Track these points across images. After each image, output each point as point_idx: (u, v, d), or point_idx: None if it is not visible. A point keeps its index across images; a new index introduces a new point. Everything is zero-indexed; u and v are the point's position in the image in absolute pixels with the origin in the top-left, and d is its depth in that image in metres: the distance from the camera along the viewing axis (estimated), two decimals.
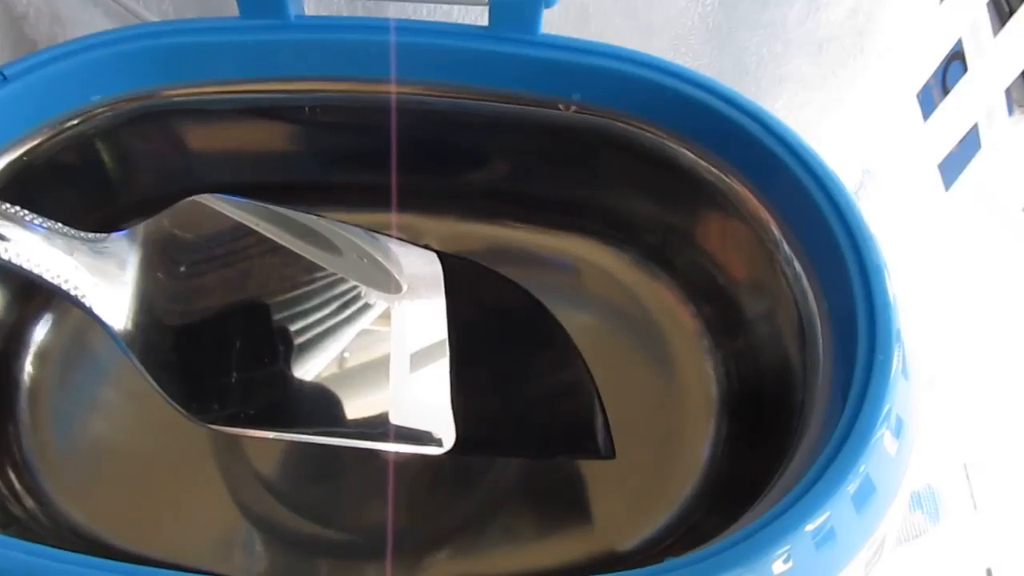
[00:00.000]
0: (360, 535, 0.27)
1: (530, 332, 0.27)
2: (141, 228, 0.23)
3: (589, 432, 0.25)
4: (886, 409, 0.21)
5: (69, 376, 0.29)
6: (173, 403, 0.22)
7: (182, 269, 0.24)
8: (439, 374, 0.24)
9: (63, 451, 0.28)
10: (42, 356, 0.29)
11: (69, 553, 0.19)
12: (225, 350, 0.23)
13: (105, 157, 0.29)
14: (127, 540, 0.26)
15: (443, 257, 0.27)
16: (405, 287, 0.25)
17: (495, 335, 0.26)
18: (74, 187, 0.29)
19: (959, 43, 0.40)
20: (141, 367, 0.22)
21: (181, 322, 0.23)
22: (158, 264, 0.23)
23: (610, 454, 0.25)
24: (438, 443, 0.24)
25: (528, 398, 0.26)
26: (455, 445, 0.24)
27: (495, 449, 0.26)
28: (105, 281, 0.22)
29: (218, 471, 0.28)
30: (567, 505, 0.27)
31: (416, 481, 0.28)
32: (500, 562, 0.26)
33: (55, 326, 0.30)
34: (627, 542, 0.26)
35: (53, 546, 0.24)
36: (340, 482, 0.28)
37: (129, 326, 0.22)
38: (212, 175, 0.31)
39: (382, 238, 0.27)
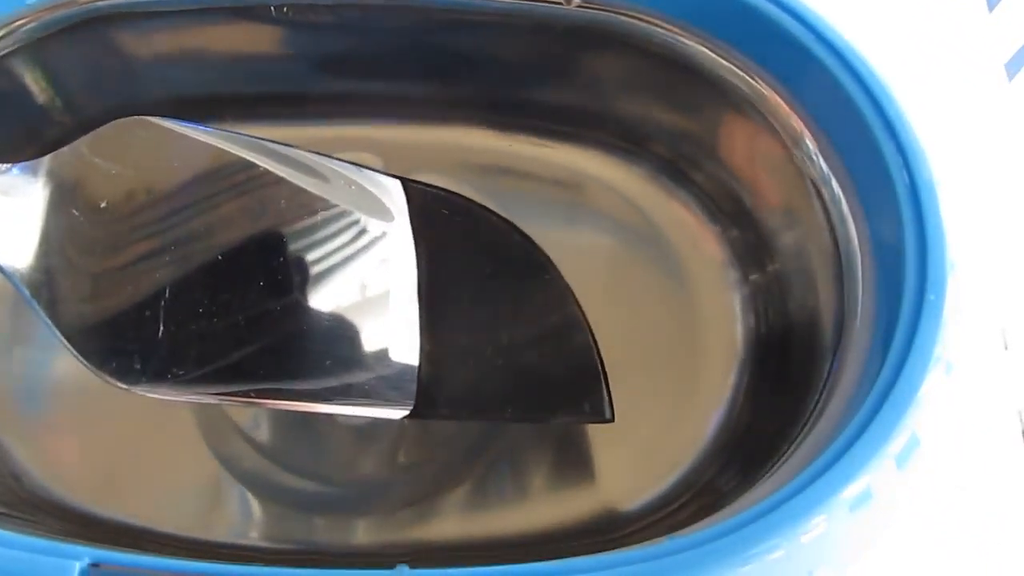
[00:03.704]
0: (353, 489, 0.25)
1: (515, 273, 0.23)
2: (51, 157, 0.20)
3: (585, 392, 0.22)
4: (937, 358, 0.18)
5: (23, 318, 0.27)
6: (86, 363, 0.19)
7: (103, 205, 0.20)
8: (406, 326, 0.21)
9: (19, 400, 0.26)
10: None
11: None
12: (152, 300, 0.20)
13: (31, 78, 0.26)
14: (97, 503, 0.24)
15: (408, 187, 0.23)
16: (371, 223, 0.22)
17: (475, 278, 0.23)
18: None
19: None
20: (48, 320, 0.19)
21: (100, 267, 0.20)
22: (74, 199, 0.20)
23: (608, 417, 0.22)
24: (402, 405, 0.21)
25: (513, 352, 0.22)
26: (424, 408, 0.21)
27: (471, 412, 0.23)
28: (5, 218, 0.19)
29: (192, 419, 0.26)
30: (566, 458, 0.25)
31: (408, 429, 0.25)
32: (491, 522, 0.24)
33: None
34: (632, 502, 0.24)
35: (8, 512, 0.23)
36: (327, 426, 0.26)
37: (34, 271, 0.19)
38: (163, 91, 0.28)
39: (338, 164, 0.23)
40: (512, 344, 0.22)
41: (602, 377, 0.22)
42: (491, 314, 0.22)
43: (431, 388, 0.21)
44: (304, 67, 0.28)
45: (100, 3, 0.25)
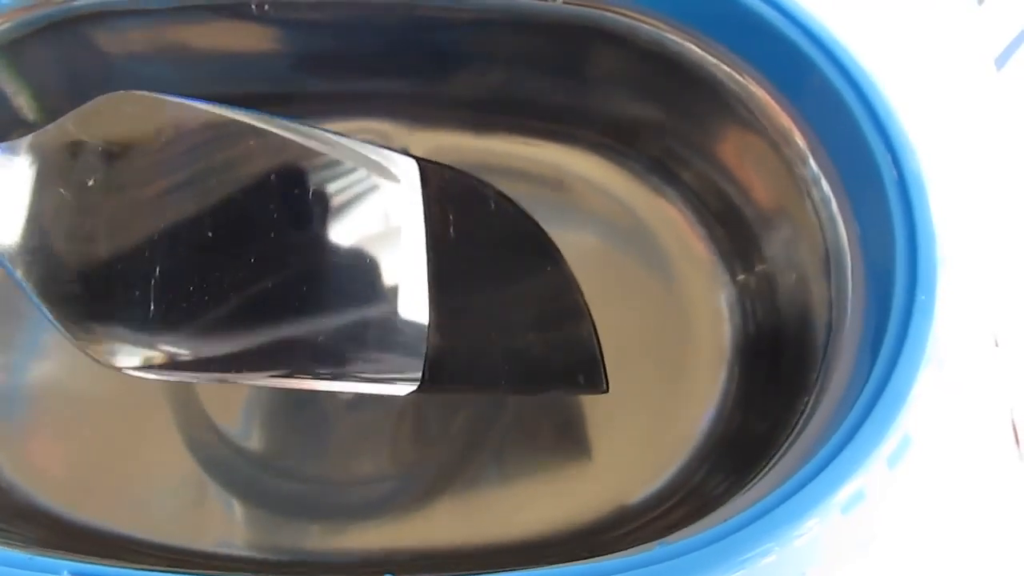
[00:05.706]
0: (343, 494, 0.25)
1: (519, 251, 0.23)
2: (35, 135, 0.20)
3: (584, 363, 0.22)
4: (928, 357, 0.18)
5: (2, 323, 0.26)
6: (75, 342, 0.19)
7: (91, 183, 0.20)
8: (411, 299, 0.21)
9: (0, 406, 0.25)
10: None
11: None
12: (143, 277, 0.19)
13: (6, 80, 0.25)
14: (79, 510, 0.24)
15: (423, 165, 0.22)
16: (383, 185, 0.21)
17: (479, 254, 0.22)
18: None
19: None
20: (38, 301, 0.19)
21: (88, 247, 0.19)
22: (61, 177, 0.20)
23: (604, 388, 0.22)
24: (408, 381, 0.20)
25: (514, 325, 0.22)
26: (429, 377, 0.20)
27: (475, 383, 0.22)
28: None
29: (175, 423, 0.25)
30: (557, 460, 0.25)
31: (400, 427, 0.25)
32: (482, 527, 0.24)
33: None
34: (622, 503, 0.24)
35: None
36: (314, 429, 0.25)
37: (22, 251, 0.19)
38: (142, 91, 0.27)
39: (352, 142, 0.22)
40: (513, 319, 0.22)
41: (598, 349, 0.22)
42: (495, 290, 0.22)
43: (437, 360, 0.20)
44: (286, 66, 0.28)
45: (76, 3, 0.24)
